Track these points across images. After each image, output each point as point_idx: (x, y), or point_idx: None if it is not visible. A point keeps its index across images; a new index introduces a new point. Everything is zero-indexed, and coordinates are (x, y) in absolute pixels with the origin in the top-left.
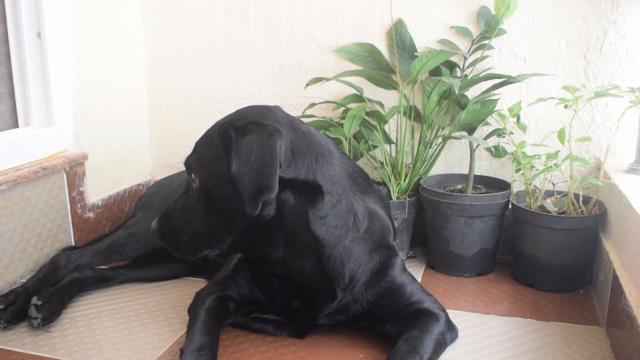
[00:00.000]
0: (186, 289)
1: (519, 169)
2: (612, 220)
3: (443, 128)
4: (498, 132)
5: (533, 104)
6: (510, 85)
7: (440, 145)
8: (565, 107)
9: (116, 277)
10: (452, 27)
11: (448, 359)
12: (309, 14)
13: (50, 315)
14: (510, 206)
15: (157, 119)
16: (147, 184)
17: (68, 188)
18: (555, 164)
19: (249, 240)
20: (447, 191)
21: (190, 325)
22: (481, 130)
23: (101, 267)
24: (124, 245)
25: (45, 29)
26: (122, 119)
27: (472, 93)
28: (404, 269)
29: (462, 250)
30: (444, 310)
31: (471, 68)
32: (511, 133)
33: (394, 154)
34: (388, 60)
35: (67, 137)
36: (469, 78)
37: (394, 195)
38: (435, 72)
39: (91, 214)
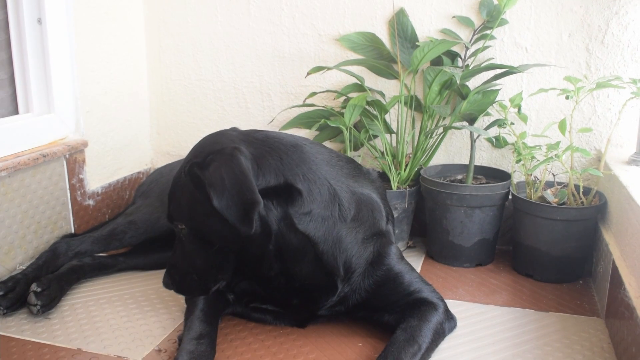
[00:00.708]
0: None
1: (520, 160)
2: (612, 212)
3: (444, 118)
4: (499, 123)
5: (534, 95)
6: (511, 76)
7: (441, 135)
8: (567, 98)
9: (115, 265)
10: (454, 16)
11: (447, 349)
12: (310, 2)
13: (49, 302)
14: (510, 197)
15: (157, 106)
16: (147, 171)
17: (68, 175)
18: (555, 155)
19: (245, 264)
20: (447, 181)
21: (189, 313)
22: (482, 121)
23: (100, 254)
24: (123, 232)
25: (46, 15)
26: (123, 107)
27: (473, 83)
28: (401, 257)
29: (462, 240)
30: (442, 300)
31: (473, 58)
32: (512, 123)
33: (394, 144)
34: (389, 50)
35: (67, 124)
36: (470, 68)
37: (394, 185)
38: (436, 62)
39: (91, 202)
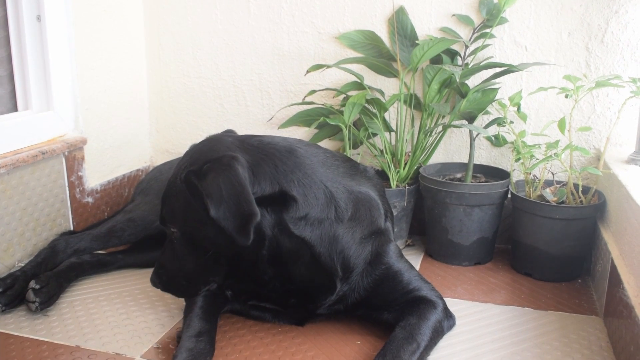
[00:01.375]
0: None
1: (519, 158)
2: (611, 211)
3: (443, 116)
4: (498, 121)
5: (534, 94)
6: (511, 74)
7: (440, 133)
8: (566, 96)
9: (114, 262)
10: (453, 15)
11: (446, 347)
12: (310, 1)
13: (48, 299)
14: (509, 195)
15: (156, 104)
16: (146, 169)
17: (67, 172)
18: (555, 154)
19: (239, 268)
20: (446, 180)
21: (188, 311)
22: (481, 119)
23: (99, 251)
24: (122, 230)
25: (45, 13)
26: (122, 104)
27: (472, 82)
28: (400, 256)
29: (461, 239)
30: (441, 298)
31: (472, 56)
32: (511, 122)
33: (393, 142)
34: (389, 48)
35: (66, 122)
36: (469, 66)
37: (393, 184)
38: (436, 60)
39: (90, 199)
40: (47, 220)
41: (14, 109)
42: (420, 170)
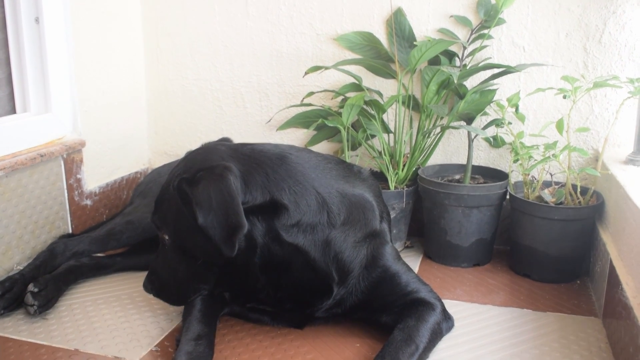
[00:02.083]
0: None
1: (517, 159)
2: (609, 211)
3: (441, 118)
4: (496, 122)
5: (532, 94)
6: (509, 75)
7: (439, 135)
8: (564, 97)
9: (113, 265)
10: (451, 16)
11: (445, 349)
12: (308, 2)
13: (46, 302)
14: (508, 196)
15: (155, 106)
16: (145, 171)
17: (65, 175)
18: (553, 155)
19: (231, 276)
20: (445, 181)
21: (187, 314)
22: (480, 120)
23: (98, 254)
24: (121, 232)
25: (44, 15)
26: (120, 107)
27: (471, 83)
28: (397, 257)
29: (460, 240)
30: (439, 300)
31: (470, 58)
32: (510, 123)
33: (392, 144)
34: (387, 49)
35: (64, 124)
36: (468, 68)
37: (391, 185)
38: (434, 62)
39: (88, 202)
40: (45, 223)
41: (13, 111)
42: (419, 171)
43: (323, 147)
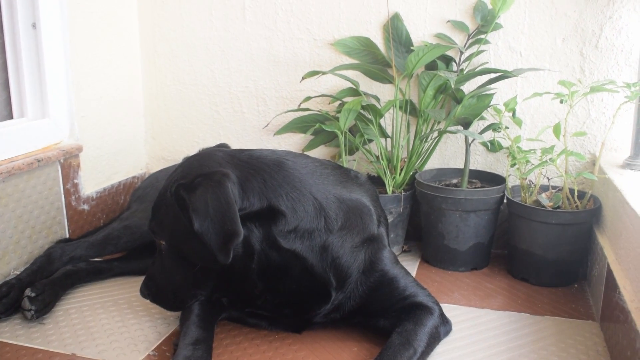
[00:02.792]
0: None
1: (514, 164)
2: (606, 215)
3: (439, 122)
4: (494, 127)
5: (529, 99)
6: (506, 80)
7: (436, 139)
8: (561, 102)
9: (110, 270)
10: (448, 21)
11: (442, 353)
12: (305, 7)
13: (43, 307)
14: (505, 201)
15: (152, 111)
16: (142, 176)
17: (62, 180)
18: (550, 159)
19: (229, 282)
20: (442, 185)
21: (184, 319)
22: (477, 125)
23: (95, 259)
24: (118, 237)
25: (41, 20)
26: (118, 111)
27: (468, 87)
28: (395, 262)
29: (457, 244)
30: (437, 304)
31: (467, 62)
32: (507, 128)
33: (389, 148)
34: (384, 54)
35: (61, 129)
36: (465, 72)
37: (389, 189)
38: (431, 67)
39: (86, 206)
40: (42, 228)
41: (10, 116)
42: (416, 176)
43: (320, 152)
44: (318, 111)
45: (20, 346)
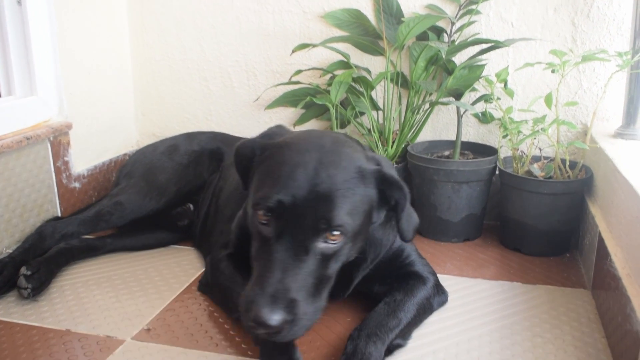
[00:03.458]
0: (174, 257)
1: (506, 135)
2: (598, 185)
3: (430, 94)
4: (485, 98)
5: (520, 69)
6: (497, 51)
7: (428, 111)
8: (553, 71)
9: (103, 247)
10: None
11: (436, 322)
12: None
13: (39, 285)
14: (497, 172)
15: (142, 87)
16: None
17: (53, 158)
18: (542, 128)
19: None
20: (434, 157)
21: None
22: (468, 96)
23: (88, 236)
24: (110, 213)
25: None
26: (107, 88)
27: (459, 59)
28: None
29: (450, 215)
30: (433, 274)
31: (458, 33)
32: (498, 99)
33: (381, 121)
34: (375, 26)
35: (50, 107)
36: (456, 43)
37: None
38: (422, 38)
39: (77, 184)
40: (33, 207)
41: None
42: (408, 148)
43: (311, 126)
44: (309, 84)
45: (14, 323)
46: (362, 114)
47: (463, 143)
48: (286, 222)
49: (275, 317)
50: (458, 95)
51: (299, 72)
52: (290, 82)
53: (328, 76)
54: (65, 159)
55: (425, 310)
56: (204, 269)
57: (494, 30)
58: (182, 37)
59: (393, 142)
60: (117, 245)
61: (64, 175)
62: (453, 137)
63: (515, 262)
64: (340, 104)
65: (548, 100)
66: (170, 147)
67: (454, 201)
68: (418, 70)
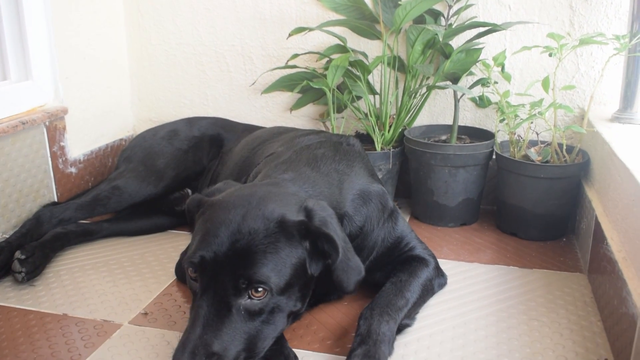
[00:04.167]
0: (171, 242)
1: (503, 119)
2: (595, 169)
3: (427, 78)
4: (482, 82)
5: (518, 53)
6: (494, 34)
7: (425, 95)
8: (550, 55)
9: (100, 231)
10: None
11: (434, 305)
12: None
13: (34, 269)
14: (494, 156)
15: (137, 72)
16: (130, 138)
17: (49, 143)
18: (539, 112)
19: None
20: (431, 141)
21: None
22: (465, 80)
23: (85, 221)
24: (107, 198)
25: None
26: (103, 73)
27: (456, 42)
28: (403, 220)
29: (446, 200)
30: (434, 257)
31: (456, 17)
32: (495, 82)
33: (378, 105)
34: (372, 10)
35: (46, 91)
36: (453, 27)
37: (378, 146)
38: (419, 21)
39: (73, 169)
40: (30, 192)
41: None
42: (405, 132)
43: (308, 110)
44: (305, 68)
45: (11, 308)
46: (359, 98)
47: (460, 127)
48: (209, 278)
49: None
50: (455, 79)
51: (295, 56)
52: (286, 66)
53: (325, 60)
54: (61, 143)
55: (428, 291)
56: None
57: (491, 14)
58: (178, 21)
59: (390, 127)
60: (114, 230)
61: (60, 160)
62: (450, 122)
63: (512, 247)
64: (337, 88)
65: (545, 84)
66: (171, 132)
67: (451, 185)
68: (415, 53)
